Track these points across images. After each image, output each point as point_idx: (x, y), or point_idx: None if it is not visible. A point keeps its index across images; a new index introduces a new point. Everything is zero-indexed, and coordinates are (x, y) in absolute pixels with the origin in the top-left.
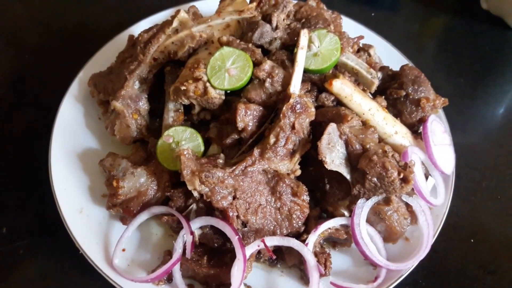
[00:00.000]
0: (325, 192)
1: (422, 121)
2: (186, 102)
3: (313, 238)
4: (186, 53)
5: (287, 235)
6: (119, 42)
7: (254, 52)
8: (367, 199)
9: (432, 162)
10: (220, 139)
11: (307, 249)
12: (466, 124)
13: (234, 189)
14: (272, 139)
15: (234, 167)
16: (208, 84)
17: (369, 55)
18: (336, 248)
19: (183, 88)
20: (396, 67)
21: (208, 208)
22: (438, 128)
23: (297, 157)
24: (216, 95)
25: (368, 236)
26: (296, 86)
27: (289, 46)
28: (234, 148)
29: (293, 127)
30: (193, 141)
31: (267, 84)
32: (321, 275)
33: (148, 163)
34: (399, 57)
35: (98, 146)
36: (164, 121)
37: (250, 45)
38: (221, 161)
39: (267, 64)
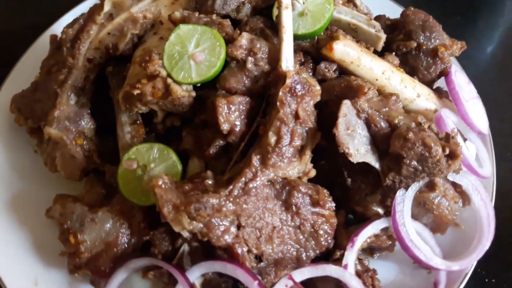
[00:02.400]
0: (347, 189)
1: (443, 74)
2: (143, 110)
3: (352, 256)
4: (130, 43)
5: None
6: (41, 48)
7: (222, 25)
8: (406, 188)
9: (468, 123)
10: (200, 150)
11: (349, 274)
12: (477, 69)
13: (236, 215)
14: (272, 138)
15: (230, 187)
16: (169, 80)
17: (355, 5)
18: (375, 256)
19: (136, 92)
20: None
21: (205, 246)
22: (462, 80)
23: (308, 154)
24: (183, 93)
25: (418, 237)
26: (289, 60)
27: (263, 10)
28: (221, 158)
29: (296, 116)
30: (165, 160)
31: (249, 65)
32: None
33: (110, 200)
34: (388, 3)
35: (40, 189)
36: (120, 140)
37: (214, 16)
38: (210, 181)
39: (244, 38)
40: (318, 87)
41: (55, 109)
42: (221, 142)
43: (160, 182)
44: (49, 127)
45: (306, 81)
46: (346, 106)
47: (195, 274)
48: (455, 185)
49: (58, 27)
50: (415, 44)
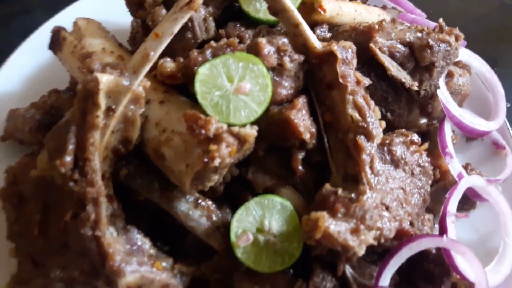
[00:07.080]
0: (390, 122)
1: None
2: (216, 178)
3: (457, 163)
4: (140, 127)
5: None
6: None
7: (233, 45)
8: (436, 88)
9: (417, 13)
10: (280, 179)
11: (478, 180)
12: None
13: (381, 200)
14: (355, 114)
15: (364, 180)
16: (235, 128)
17: None
18: None
19: (216, 162)
20: None
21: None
22: None
23: (377, 109)
24: (254, 131)
25: (473, 117)
26: (315, 39)
27: (219, 16)
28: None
29: (358, 82)
30: (272, 208)
31: (289, 65)
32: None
33: None
34: None
35: None
36: (197, 230)
37: (213, 43)
38: (340, 190)
39: (266, 44)
40: (354, 46)
41: (112, 255)
42: (302, 153)
43: (328, 222)
44: (121, 278)
45: (344, 45)
46: (378, 51)
47: (387, 278)
48: (455, 64)
49: None
50: None
